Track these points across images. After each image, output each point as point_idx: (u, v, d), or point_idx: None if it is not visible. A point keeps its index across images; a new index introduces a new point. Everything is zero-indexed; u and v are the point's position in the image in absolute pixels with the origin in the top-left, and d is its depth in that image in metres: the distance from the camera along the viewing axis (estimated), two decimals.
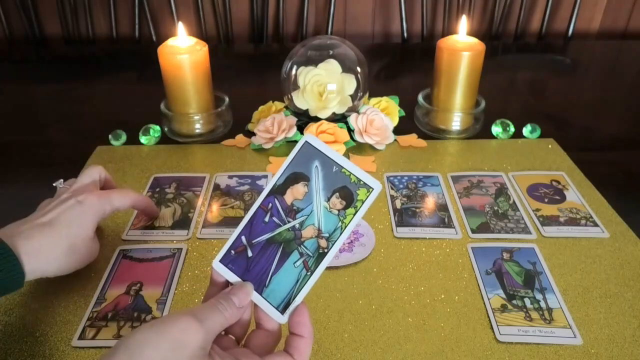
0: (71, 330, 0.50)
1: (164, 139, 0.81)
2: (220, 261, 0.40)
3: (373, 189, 0.39)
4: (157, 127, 0.81)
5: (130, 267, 0.57)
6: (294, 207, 0.39)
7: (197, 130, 0.81)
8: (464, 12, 1.29)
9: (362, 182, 0.39)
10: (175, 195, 0.68)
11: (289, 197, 0.40)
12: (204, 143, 0.80)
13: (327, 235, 0.38)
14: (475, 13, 1.34)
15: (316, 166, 0.40)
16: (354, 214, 0.38)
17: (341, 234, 0.38)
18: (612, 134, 0.85)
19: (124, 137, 0.80)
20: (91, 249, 0.53)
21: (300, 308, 0.38)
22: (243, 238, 0.40)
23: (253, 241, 0.40)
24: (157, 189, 0.70)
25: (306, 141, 0.40)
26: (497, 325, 0.50)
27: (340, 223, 0.38)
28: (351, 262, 0.57)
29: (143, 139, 0.80)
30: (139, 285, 0.54)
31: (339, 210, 0.39)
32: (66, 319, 0.51)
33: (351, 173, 0.39)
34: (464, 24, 0.79)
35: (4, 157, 0.79)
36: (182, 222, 0.63)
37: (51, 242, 0.48)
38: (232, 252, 0.40)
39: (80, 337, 0.49)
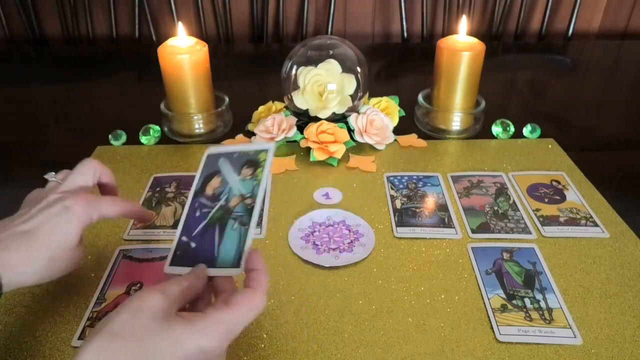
0: (71, 330, 0.50)
1: (164, 139, 0.81)
2: (170, 265, 0.42)
3: (268, 149, 0.44)
4: (157, 127, 0.81)
5: (130, 267, 0.57)
6: (216, 194, 0.44)
7: (197, 130, 0.81)
8: (464, 12, 1.29)
9: (258, 150, 0.44)
10: (175, 194, 0.68)
11: (209, 190, 0.44)
12: (204, 143, 0.80)
13: (249, 194, 0.42)
14: (475, 13, 1.34)
15: (221, 161, 0.45)
16: (263, 169, 0.42)
17: (259, 185, 0.42)
18: (612, 134, 0.85)
19: (124, 137, 0.80)
20: (74, 258, 0.48)
21: (251, 253, 0.39)
22: (184, 238, 0.43)
23: (192, 235, 0.43)
24: (157, 189, 0.70)
25: (207, 155, 0.47)
26: (497, 325, 0.50)
27: (255, 181, 0.42)
28: (351, 262, 0.57)
29: (143, 139, 0.80)
30: (139, 285, 0.54)
31: (251, 175, 0.43)
32: (66, 319, 0.51)
33: (248, 150, 0.44)
34: (464, 24, 0.79)
35: (4, 157, 0.79)
36: None
37: (29, 255, 0.44)
38: (178, 252, 0.42)
39: (80, 337, 0.49)
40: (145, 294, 0.36)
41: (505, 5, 1.30)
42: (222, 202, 0.43)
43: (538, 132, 0.81)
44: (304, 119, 0.79)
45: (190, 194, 0.45)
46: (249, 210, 0.41)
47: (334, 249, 0.59)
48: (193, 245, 0.42)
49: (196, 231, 0.42)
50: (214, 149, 0.47)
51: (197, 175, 0.46)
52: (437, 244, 0.60)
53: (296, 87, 0.78)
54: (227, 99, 0.83)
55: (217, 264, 0.40)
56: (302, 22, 1.31)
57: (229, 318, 0.36)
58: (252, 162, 0.43)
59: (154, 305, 0.35)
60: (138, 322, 0.34)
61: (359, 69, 0.78)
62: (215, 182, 0.44)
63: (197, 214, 0.43)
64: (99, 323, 0.35)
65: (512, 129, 0.81)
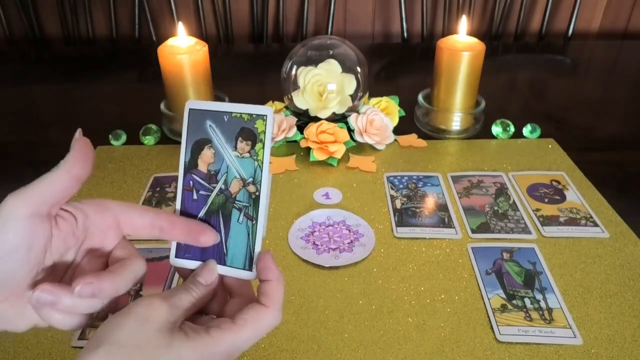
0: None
1: (164, 139, 0.81)
2: (176, 257, 0.41)
3: (266, 115, 0.39)
4: (157, 127, 0.81)
5: None
6: (212, 172, 0.40)
7: None
8: (464, 12, 1.29)
9: (254, 115, 0.39)
10: (176, 194, 0.68)
11: (202, 166, 0.41)
12: None
13: (251, 180, 0.39)
14: (475, 13, 1.34)
15: (210, 125, 0.40)
16: (263, 147, 0.39)
17: (262, 170, 0.39)
18: (612, 134, 0.85)
19: (124, 137, 0.80)
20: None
21: (262, 255, 0.38)
22: None
23: None
24: (157, 189, 0.70)
25: (190, 108, 0.41)
26: (497, 325, 0.50)
27: (255, 162, 0.39)
28: (351, 262, 0.57)
29: (143, 139, 0.80)
30: (138, 285, 0.54)
31: (249, 152, 0.39)
32: None
33: (241, 113, 0.40)
34: (464, 24, 0.79)
35: (4, 157, 0.79)
36: None
37: None
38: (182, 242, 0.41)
39: (80, 337, 0.49)
40: (153, 302, 0.34)
41: (505, 5, 1.30)
42: (221, 184, 0.40)
43: (538, 132, 0.81)
44: (304, 119, 0.79)
45: (181, 166, 0.41)
46: (254, 200, 0.39)
47: (334, 249, 0.59)
48: None
49: (197, 218, 0.41)
50: (194, 104, 0.41)
51: (183, 137, 0.41)
52: (437, 244, 0.60)
53: (296, 87, 0.78)
54: (227, 99, 0.83)
55: (227, 262, 0.39)
56: (302, 22, 1.31)
57: (235, 340, 0.35)
58: (249, 134, 0.39)
59: (160, 317, 0.33)
60: (144, 332, 0.33)
61: (359, 69, 0.78)
62: (207, 155, 0.40)
63: (195, 196, 0.41)
64: (102, 326, 0.34)
65: (512, 129, 0.81)
